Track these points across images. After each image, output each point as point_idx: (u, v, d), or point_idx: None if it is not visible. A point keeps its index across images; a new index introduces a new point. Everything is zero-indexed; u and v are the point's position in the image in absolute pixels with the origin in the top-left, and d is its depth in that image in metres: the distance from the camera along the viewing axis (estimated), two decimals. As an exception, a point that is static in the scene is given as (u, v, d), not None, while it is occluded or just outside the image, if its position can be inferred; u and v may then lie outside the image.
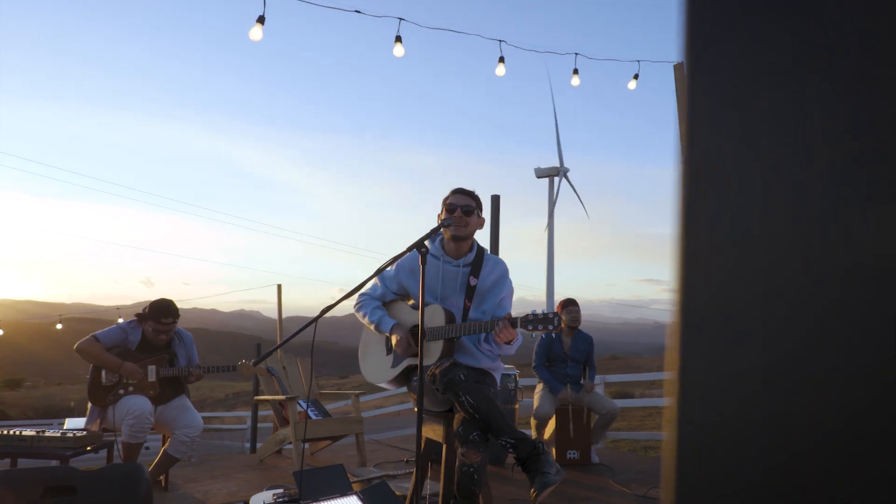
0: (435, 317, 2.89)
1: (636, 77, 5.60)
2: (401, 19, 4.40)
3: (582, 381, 5.48)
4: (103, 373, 4.01)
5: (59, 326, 15.93)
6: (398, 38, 4.64)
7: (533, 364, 5.48)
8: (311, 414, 5.04)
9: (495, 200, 7.68)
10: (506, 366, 5.48)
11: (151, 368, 4.05)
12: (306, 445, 5.85)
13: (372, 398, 13.77)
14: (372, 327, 3.09)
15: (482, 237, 3.76)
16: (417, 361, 2.86)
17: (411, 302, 3.09)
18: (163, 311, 4.15)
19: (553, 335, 5.46)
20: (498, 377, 3.09)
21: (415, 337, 2.95)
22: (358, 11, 4.32)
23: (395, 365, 2.99)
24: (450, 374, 2.68)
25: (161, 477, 4.26)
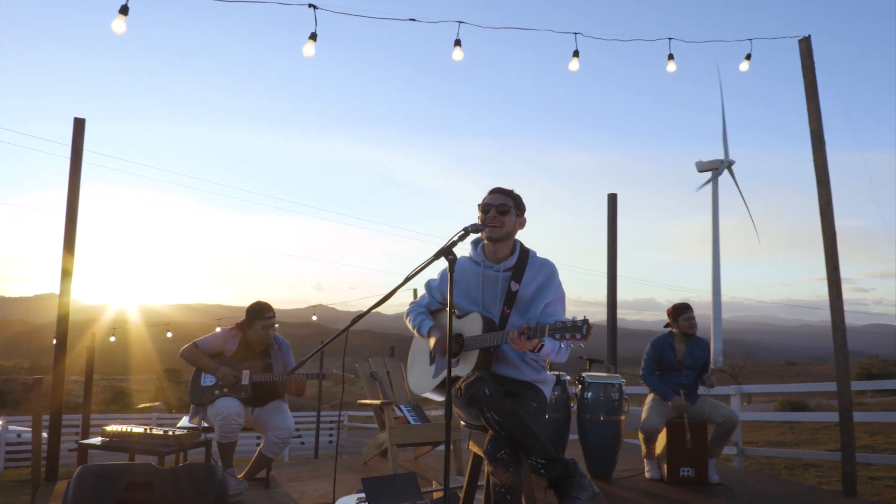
0: (473, 325, 2.78)
1: (748, 57, 5.02)
2: (460, 22, 4.33)
3: (699, 392, 5.03)
4: (202, 375, 4.32)
5: (217, 329, 17.53)
6: (457, 42, 4.58)
7: (641, 372, 5.13)
8: (410, 419, 5.08)
9: (612, 199, 7.32)
10: (608, 374, 5.17)
11: (245, 373, 4.30)
12: (411, 449, 5.91)
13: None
14: (415, 331, 3.06)
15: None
16: (455, 370, 2.76)
17: (456, 311, 3.00)
18: (264, 308, 4.45)
19: (667, 343, 5.07)
20: (546, 389, 2.89)
21: (453, 340, 2.86)
22: (413, 19, 4.32)
23: (435, 375, 2.91)
24: (474, 388, 2.55)
25: (262, 475, 4.51)
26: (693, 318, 5.05)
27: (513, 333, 2.50)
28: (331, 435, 16.78)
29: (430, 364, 2.97)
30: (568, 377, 5.12)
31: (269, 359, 4.49)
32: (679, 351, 5.05)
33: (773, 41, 4.71)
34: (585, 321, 2.38)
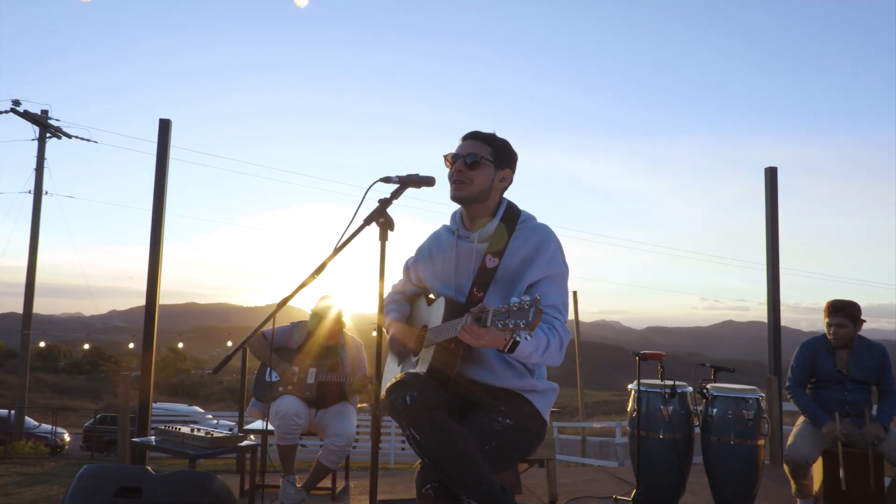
0: (437, 313, 2.14)
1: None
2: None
3: (873, 412, 3.79)
4: (267, 369, 4.09)
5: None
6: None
7: (787, 384, 4.00)
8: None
9: (771, 173, 6.08)
10: (741, 387, 4.09)
11: (312, 371, 4.00)
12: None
13: (609, 423, 11.77)
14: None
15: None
16: (419, 372, 2.15)
17: (431, 295, 2.38)
18: (318, 307, 4.16)
19: (824, 347, 3.89)
20: (539, 400, 2.14)
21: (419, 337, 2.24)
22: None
23: None
24: (393, 394, 1.92)
25: (329, 484, 4.18)
26: (842, 324, 3.78)
27: (466, 318, 1.83)
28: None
29: (398, 366, 2.39)
30: (689, 388, 4.15)
31: (336, 357, 4.16)
32: (840, 358, 3.85)
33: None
34: (535, 303, 1.65)
